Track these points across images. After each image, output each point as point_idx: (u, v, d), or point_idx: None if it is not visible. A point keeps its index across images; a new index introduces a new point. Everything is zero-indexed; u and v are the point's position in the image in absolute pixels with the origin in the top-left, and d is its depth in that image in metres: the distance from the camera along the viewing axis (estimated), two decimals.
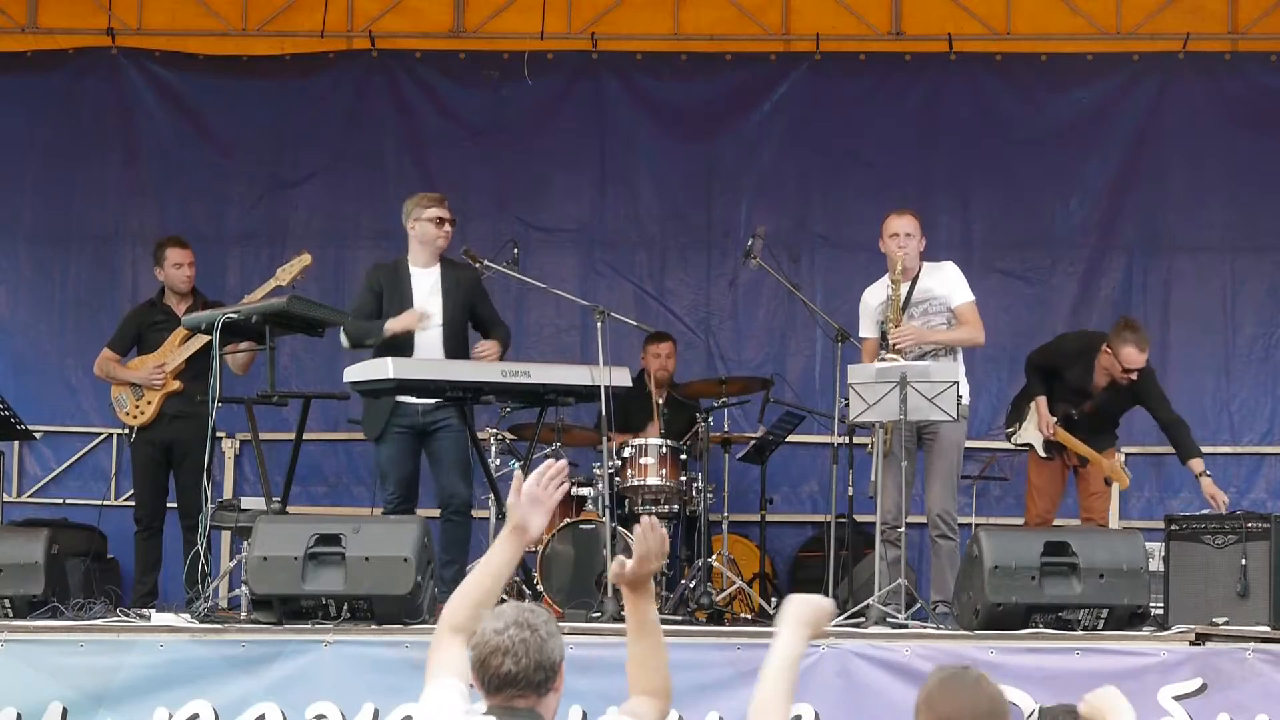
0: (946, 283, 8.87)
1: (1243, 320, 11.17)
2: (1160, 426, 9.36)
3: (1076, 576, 7.71)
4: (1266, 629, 7.73)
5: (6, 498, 10.67)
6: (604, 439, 8.83)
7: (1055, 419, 9.33)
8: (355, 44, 11.49)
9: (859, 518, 9.22)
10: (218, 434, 8.81)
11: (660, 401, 10.25)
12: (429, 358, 8.58)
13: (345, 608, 7.62)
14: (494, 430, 9.54)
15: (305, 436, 8.96)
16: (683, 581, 9.31)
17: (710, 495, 9.58)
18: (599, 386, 8.43)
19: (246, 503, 9.12)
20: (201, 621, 7.75)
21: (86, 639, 7.48)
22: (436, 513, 8.69)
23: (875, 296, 8.92)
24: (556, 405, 8.86)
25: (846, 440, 9.09)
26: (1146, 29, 11.25)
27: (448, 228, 8.81)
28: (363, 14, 11.46)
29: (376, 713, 7.25)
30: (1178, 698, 7.25)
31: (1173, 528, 8.32)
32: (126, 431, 9.61)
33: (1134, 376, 9.16)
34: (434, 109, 11.47)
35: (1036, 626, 7.68)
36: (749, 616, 9.42)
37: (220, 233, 11.31)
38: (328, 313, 8.72)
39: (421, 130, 11.46)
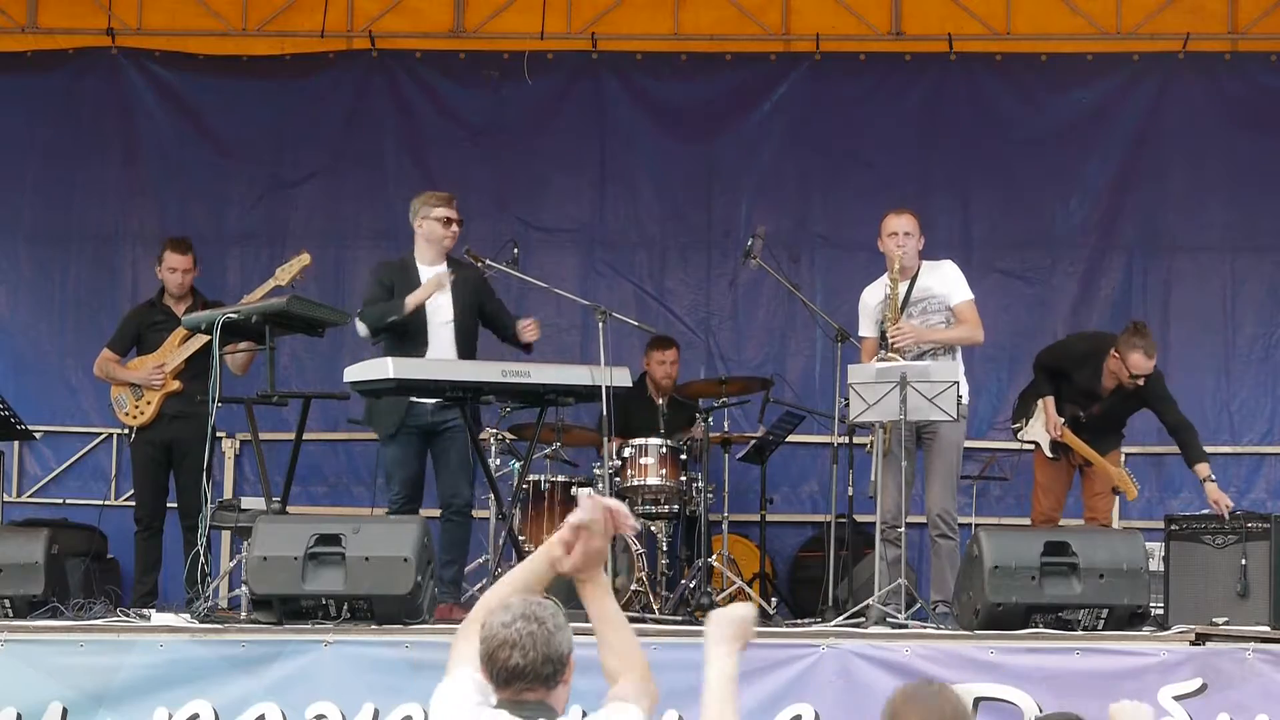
0: (945, 281, 8.87)
1: (1243, 320, 11.17)
2: (1168, 430, 9.34)
3: (1076, 576, 7.71)
4: (1266, 629, 7.74)
5: (6, 498, 10.67)
6: (604, 439, 8.83)
7: (1063, 420, 9.33)
8: (355, 44, 11.49)
9: (859, 518, 9.22)
10: (218, 434, 8.81)
11: (661, 402, 10.26)
12: (441, 357, 8.58)
13: (345, 608, 7.62)
14: (494, 430, 9.54)
15: (305, 436, 8.95)
16: (683, 581, 9.32)
17: (710, 495, 9.58)
18: (599, 386, 8.43)
19: (246, 503, 9.13)
20: (201, 621, 7.74)
21: (86, 639, 7.48)
22: (436, 512, 8.70)
23: (874, 296, 8.92)
24: (556, 405, 8.85)
25: (846, 440, 9.10)
26: (1146, 29, 11.25)
27: (455, 228, 8.80)
28: (363, 14, 11.46)
29: (376, 713, 7.25)
30: (1178, 698, 7.24)
31: (1173, 528, 8.33)
32: (126, 431, 9.61)
33: (1140, 382, 9.16)
34: (434, 109, 11.47)
35: (1036, 626, 7.68)
36: None
37: (220, 233, 11.30)
38: (327, 313, 8.72)
39: (421, 130, 11.46)
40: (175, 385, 9.37)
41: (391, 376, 8.18)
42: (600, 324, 8.60)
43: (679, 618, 8.62)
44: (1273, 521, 8.04)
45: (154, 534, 9.43)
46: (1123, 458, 9.73)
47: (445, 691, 4.15)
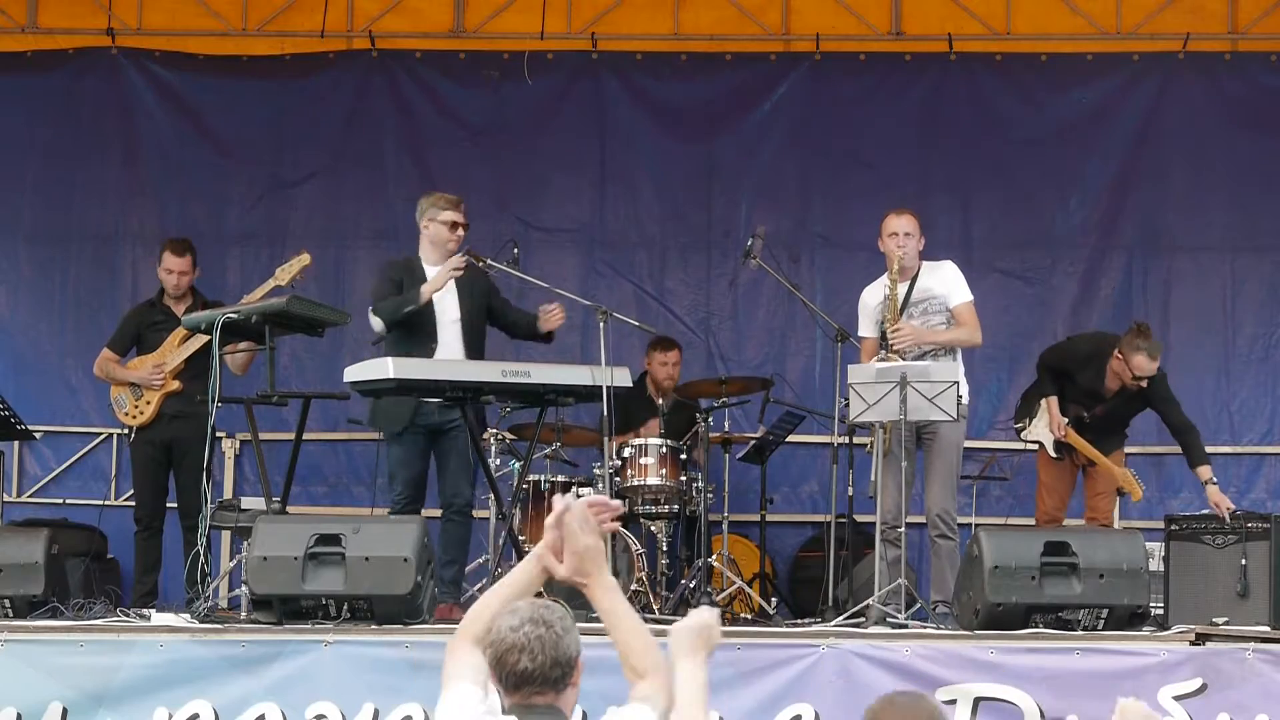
0: (945, 282, 8.87)
1: (1243, 320, 11.17)
2: (1171, 431, 9.33)
3: (1076, 576, 7.71)
4: (1266, 629, 7.74)
5: (6, 498, 10.66)
6: (605, 439, 8.83)
7: (1066, 420, 9.33)
8: (355, 44, 11.49)
9: (859, 518, 9.22)
10: (218, 434, 8.81)
11: (661, 401, 10.27)
12: (450, 355, 8.58)
13: (345, 608, 7.62)
14: (494, 430, 9.54)
15: (305, 436, 8.95)
16: (683, 581, 9.32)
17: (710, 495, 9.58)
18: (599, 386, 8.42)
19: (246, 503, 9.13)
20: (201, 621, 7.74)
21: (86, 639, 7.48)
22: (436, 512, 8.69)
23: (874, 296, 8.91)
24: (556, 405, 8.85)
25: (846, 440, 9.10)
26: (1146, 29, 11.25)
27: (460, 232, 8.79)
28: (363, 14, 11.46)
29: (376, 713, 7.25)
30: (1178, 698, 7.24)
31: (1173, 528, 8.33)
32: (126, 431, 9.60)
33: (1144, 384, 9.16)
34: (434, 109, 11.47)
35: (1036, 626, 7.68)
36: (749, 616, 9.43)
37: (220, 233, 11.30)
38: (327, 313, 8.72)
39: (421, 130, 11.45)
40: (175, 385, 9.37)
41: (391, 376, 8.17)
42: (601, 324, 8.60)
43: (679, 618, 8.60)
44: (1273, 521, 8.04)
45: (154, 534, 9.43)
46: (1122, 457, 9.72)
47: (448, 703, 4.14)
